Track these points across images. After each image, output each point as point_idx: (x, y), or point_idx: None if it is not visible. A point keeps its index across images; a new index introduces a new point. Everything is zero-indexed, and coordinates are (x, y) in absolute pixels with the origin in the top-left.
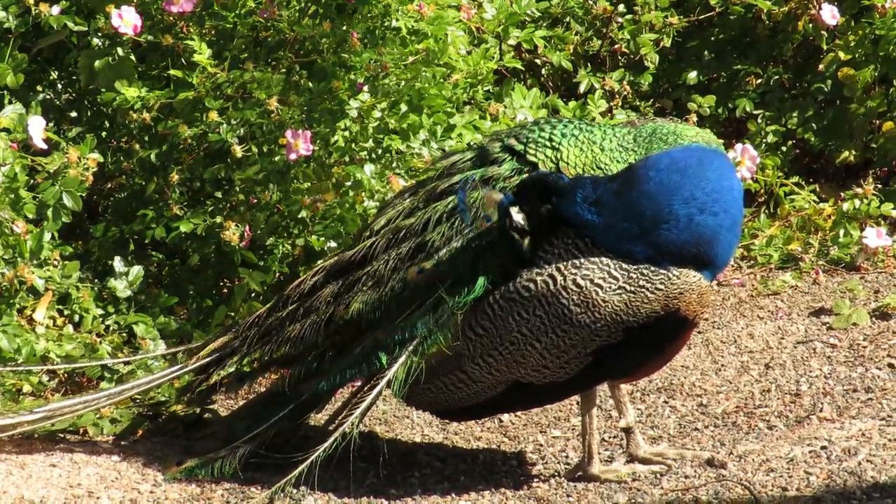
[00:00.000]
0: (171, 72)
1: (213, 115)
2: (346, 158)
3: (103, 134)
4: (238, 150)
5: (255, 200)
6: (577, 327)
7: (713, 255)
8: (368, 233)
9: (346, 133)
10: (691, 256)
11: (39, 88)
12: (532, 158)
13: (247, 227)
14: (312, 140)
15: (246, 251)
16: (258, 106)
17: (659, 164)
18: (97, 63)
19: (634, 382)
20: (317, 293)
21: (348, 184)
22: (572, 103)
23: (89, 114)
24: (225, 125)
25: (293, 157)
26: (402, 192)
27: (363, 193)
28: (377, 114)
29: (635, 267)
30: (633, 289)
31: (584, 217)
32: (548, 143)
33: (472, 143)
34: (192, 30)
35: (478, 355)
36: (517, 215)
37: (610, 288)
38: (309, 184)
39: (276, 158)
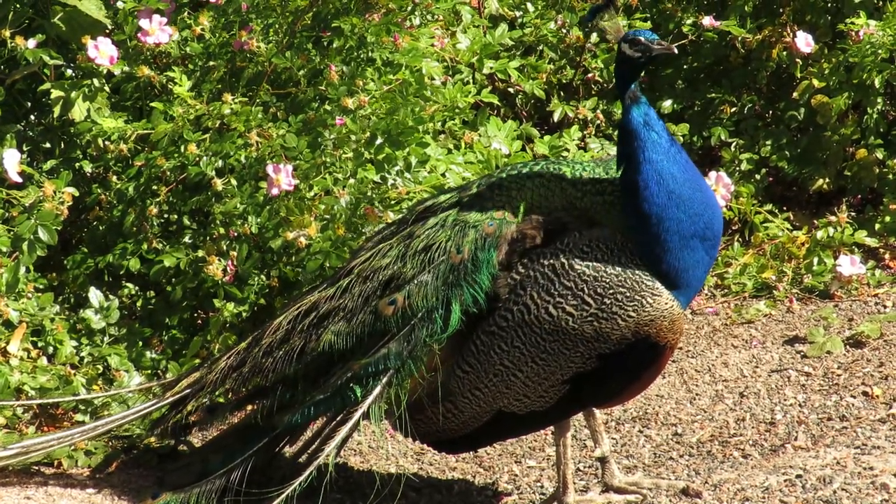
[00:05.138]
0: (153, 104)
1: (192, 148)
2: (323, 192)
3: (78, 166)
4: (218, 184)
5: (235, 234)
6: (552, 355)
7: (683, 267)
8: (345, 275)
9: (323, 165)
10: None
11: (13, 121)
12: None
13: (229, 262)
14: (293, 174)
15: (230, 286)
16: (238, 138)
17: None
18: (72, 95)
19: (609, 411)
20: (291, 333)
21: (327, 217)
22: (547, 137)
23: (63, 146)
24: (205, 158)
25: (275, 191)
26: (373, 235)
27: (340, 225)
28: (353, 144)
29: (611, 291)
30: (605, 315)
31: (638, 125)
32: (514, 188)
33: (450, 186)
34: (167, 61)
35: (466, 390)
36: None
37: (581, 316)
38: (288, 215)
39: (257, 193)
